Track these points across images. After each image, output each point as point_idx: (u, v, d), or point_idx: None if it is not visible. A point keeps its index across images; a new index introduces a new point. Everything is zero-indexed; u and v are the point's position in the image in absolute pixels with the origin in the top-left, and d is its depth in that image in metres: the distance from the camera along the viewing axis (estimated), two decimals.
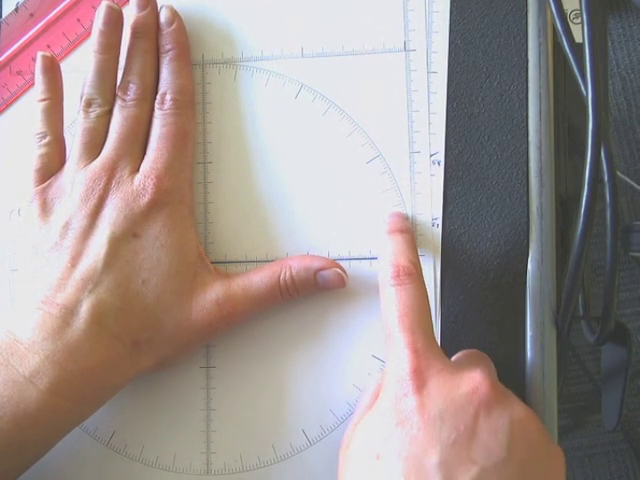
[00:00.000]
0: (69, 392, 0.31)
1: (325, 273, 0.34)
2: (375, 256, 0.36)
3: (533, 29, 0.36)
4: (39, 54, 0.36)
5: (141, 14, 0.36)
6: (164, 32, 0.36)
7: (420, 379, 0.29)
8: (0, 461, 0.31)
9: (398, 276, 0.31)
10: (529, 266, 0.35)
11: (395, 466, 0.27)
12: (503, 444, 0.27)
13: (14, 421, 0.30)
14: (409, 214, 0.36)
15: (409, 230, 0.34)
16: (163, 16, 0.37)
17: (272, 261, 0.36)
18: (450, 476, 0.26)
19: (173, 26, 0.36)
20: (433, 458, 0.27)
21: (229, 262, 0.37)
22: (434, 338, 0.31)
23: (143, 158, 0.35)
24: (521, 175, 0.35)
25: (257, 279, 0.34)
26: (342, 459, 0.30)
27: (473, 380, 0.29)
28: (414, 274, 0.31)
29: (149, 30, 0.36)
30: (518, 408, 0.29)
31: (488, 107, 0.36)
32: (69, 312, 0.32)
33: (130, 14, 0.36)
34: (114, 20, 0.36)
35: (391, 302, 0.31)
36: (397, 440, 0.28)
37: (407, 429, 0.28)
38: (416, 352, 0.29)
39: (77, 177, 0.34)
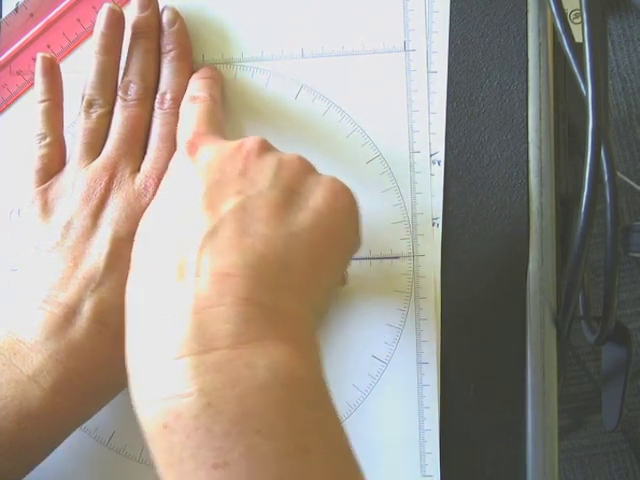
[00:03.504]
0: (72, 391, 0.31)
1: None
2: (375, 256, 0.36)
3: (533, 29, 0.36)
4: (39, 55, 0.36)
5: (143, 14, 0.36)
6: (166, 33, 0.37)
7: (193, 147, 0.31)
8: (3, 462, 0.30)
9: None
10: (529, 266, 0.35)
11: (168, 211, 0.29)
12: (268, 176, 0.29)
13: (17, 421, 0.30)
14: (409, 214, 0.36)
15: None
16: (165, 17, 0.37)
17: None
18: (212, 206, 0.28)
19: (175, 27, 0.37)
20: (199, 193, 0.29)
21: None
22: (221, 133, 0.33)
23: (144, 158, 0.35)
24: (521, 175, 0.35)
25: None
26: (134, 242, 0.31)
27: (244, 139, 0.31)
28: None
29: (150, 30, 0.36)
30: (287, 154, 0.31)
31: (488, 107, 0.36)
32: (71, 311, 0.32)
33: (131, 14, 0.36)
34: (115, 22, 0.36)
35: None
36: (169, 191, 0.31)
37: (177, 183, 0.30)
38: (195, 134, 0.32)
39: (78, 177, 0.34)
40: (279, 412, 0.24)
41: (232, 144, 0.31)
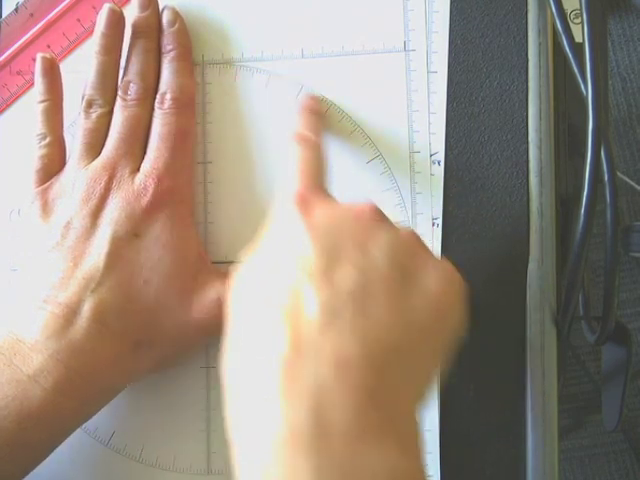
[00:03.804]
0: (73, 391, 0.31)
1: None
2: None
3: (533, 29, 0.36)
4: (39, 56, 0.36)
5: (143, 14, 0.36)
6: (166, 32, 0.37)
7: (305, 204, 0.29)
8: (3, 462, 0.30)
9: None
10: (529, 266, 0.35)
11: (279, 279, 0.27)
12: (385, 252, 0.28)
13: (17, 420, 0.30)
14: (409, 214, 0.36)
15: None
16: (165, 17, 0.37)
17: None
18: (327, 278, 0.26)
19: (175, 27, 0.37)
20: (315, 263, 0.27)
21: (229, 262, 0.37)
22: (327, 188, 0.32)
23: (144, 158, 0.35)
24: (521, 175, 0.35)
25: None
26: (230, 304, 0.29)
27: (358, 204, 0.29)
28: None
29: (151, 30, 0.36)
30: (401, 227, 0.30)
31: (488, 107, 0.36)
32: (71, 311, 0.32)
33: (132, 14, 0.36)
34: (115, 22, 0.36)
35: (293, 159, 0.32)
36: (276, 247, 0.28)
37: (286, 241, 0.28)
38: (306, 187, 0.30)
39: (78, 177, 0.34)
40: None
41: (347, 208, 0.29)
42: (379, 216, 0.29)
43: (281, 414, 0.24)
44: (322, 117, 0.36)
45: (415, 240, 0.29)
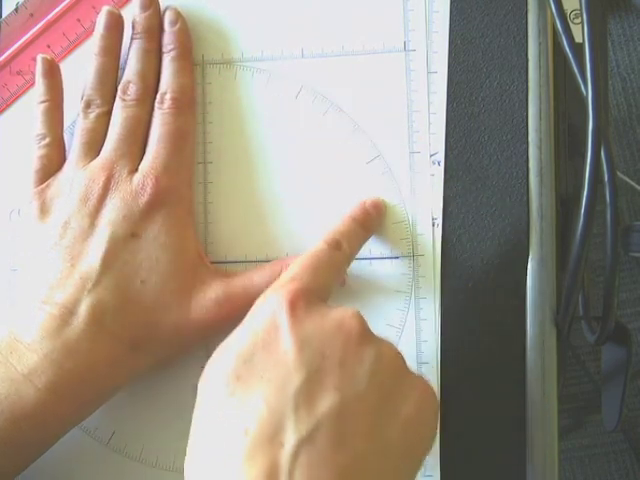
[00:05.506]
0: (67, 391, 0.31)
1: None
2: (375, 256, 0.36)
3: (533, 29, 0.36)
4: (39, 57, 0.36)
5: (144, 14, 0.36)
6: (167, 32, 0.37)
7: (293, 305, 0.28)
8: None
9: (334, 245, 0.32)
10: (529, 266, 0.35)
11: (256, 388, 0.26)
12: (367, 372, 0.27)
13: (12, 419, 0.30)
14: (409, 214, 0.36)
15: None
16: (167, 17, 0.37)
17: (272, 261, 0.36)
18: (308, 401, 0.26)
19: (177, 26, 0.37)
20: (296, 382, 0.26)
21: (229, 262, 0.37)
22: (327, 295, 0.31)
23: (142, 158, 0.35)
24: (521, 175, 0.35)
25: (257, 278, 0.34)
26: (199, 387, 0.28)
27: (344, 313, 0.28)
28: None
29: (152, 30, 0.36)
30: (385, 344, 0.29)
31: (488, 107, 0.36)
32: (68, 311, 0.32)
33: (133, 14, 0.36)
34: (114, 24, 0.36)
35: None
36: (262, 361, 0.27)
37: (273, 350, 0.27)
38: (302, 289, 0.29)
39: (76, 177, 0.34)
40: None
41: (332, 319, 0.28)
42: (362, 330, 0.28)
43: None
44: (367, 229, 0.35)
45: (396, 360, 0.29)
